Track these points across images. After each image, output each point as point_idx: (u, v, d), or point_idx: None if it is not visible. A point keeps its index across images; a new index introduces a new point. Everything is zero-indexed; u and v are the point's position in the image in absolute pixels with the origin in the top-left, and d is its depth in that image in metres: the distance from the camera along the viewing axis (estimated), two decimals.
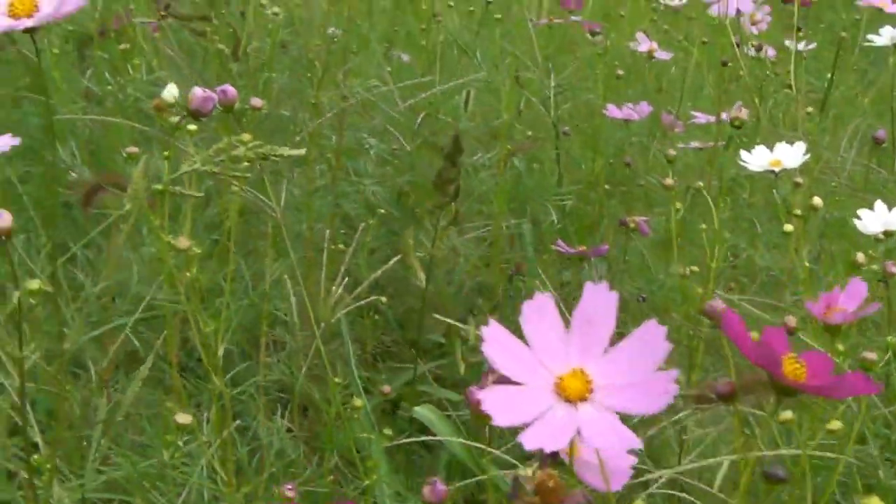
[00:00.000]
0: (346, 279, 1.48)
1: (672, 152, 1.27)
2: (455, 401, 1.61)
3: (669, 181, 1.20)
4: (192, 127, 1.15)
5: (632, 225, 1.60)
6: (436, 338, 1.81)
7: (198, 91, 0.96)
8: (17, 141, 1.55)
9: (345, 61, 1.72)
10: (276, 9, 1.50)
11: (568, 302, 1.60)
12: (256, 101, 1.13)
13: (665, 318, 1.66)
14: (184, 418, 0.98)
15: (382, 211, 1.70)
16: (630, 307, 1.65)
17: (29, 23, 0.87)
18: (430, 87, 1.78)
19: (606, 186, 1.76)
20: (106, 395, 1.36)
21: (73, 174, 1.79)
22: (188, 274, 1.08)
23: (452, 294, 1.73)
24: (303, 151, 1.17)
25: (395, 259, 1.54)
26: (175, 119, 1.10)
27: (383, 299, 1.61)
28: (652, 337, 0.69)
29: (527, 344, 0.69)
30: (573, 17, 2.06)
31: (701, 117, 1.77)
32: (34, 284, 0.89)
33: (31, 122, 1.75)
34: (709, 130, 1.81)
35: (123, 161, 1.67)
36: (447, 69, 1.83)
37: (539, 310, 0.70)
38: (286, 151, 1.14)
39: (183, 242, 1.06)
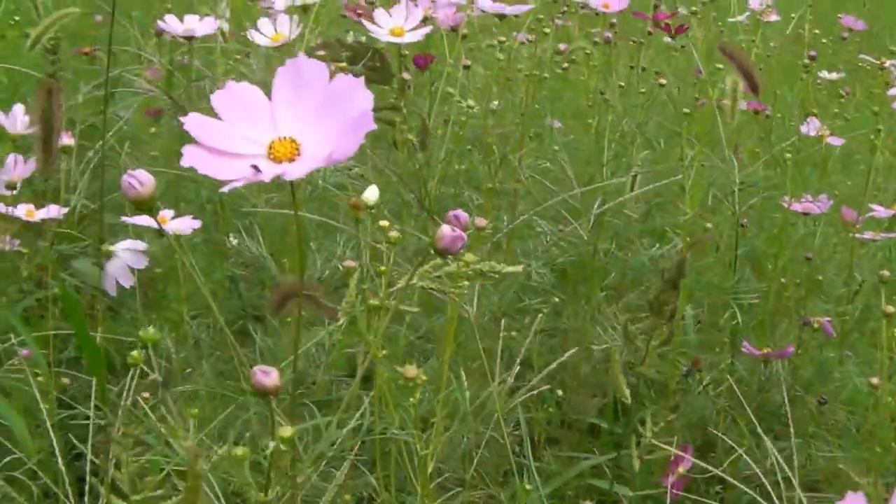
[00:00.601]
0: (518, 367, 1.47)
1: (886, 273, 1.24)
2: (629, 496, 1.59)
3: (891, 309, 1.17)
4: (385, 223, 1.15)
5: (815, 325, 1.57)
6: (598, 422, 1.79)
7: (446, 230, 0.94)
8: (198, 223, 1.57)
9: (521, 143, 1.70)
10: (470, 101, 1.49)
11: (748, 398, 1.58)
12: (481, 222, 1.12)
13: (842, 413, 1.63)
14: None
15: (557, 300, 1.68)
16: (806, 405, 1.62)
17: (296, 173, 0.76)
18: (601, 168, 1.76)
19: (783, 280, 1.73)
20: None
21: (233, 243, 1.81)
22: (412, 400, 1.07)
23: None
24: (520, 268, 1.15)
25: (571, 353, 1.52)
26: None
27: (560, 392, 1.60)
28: None
29: None
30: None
31: (880, 211, 1.73)
32: (287, 431, 0.88)
33: (202, 195, 1.76)
34: (880, 223, 1.78)
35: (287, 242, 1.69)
36: (615, 149, 1.81)
37: None
38: (504, 268, 1.13)
39: (410, 372, 1.05)
